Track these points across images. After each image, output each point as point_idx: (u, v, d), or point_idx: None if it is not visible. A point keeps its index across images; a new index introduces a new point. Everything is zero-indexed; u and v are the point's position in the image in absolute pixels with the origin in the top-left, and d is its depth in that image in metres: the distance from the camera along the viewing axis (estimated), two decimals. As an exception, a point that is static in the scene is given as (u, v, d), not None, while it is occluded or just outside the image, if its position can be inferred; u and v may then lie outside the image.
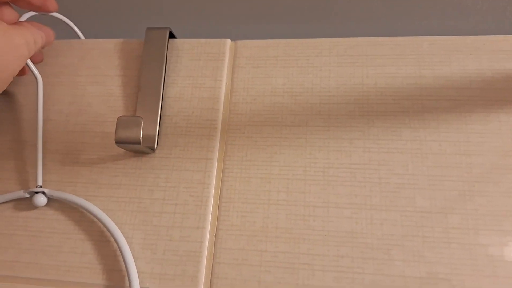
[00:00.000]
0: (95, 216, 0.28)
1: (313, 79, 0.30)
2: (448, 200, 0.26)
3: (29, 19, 0.30)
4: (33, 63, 0.30)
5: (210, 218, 0.27)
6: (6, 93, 0.33)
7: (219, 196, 0.28)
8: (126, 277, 0.26)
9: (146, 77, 0.31)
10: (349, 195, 0.27)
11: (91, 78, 0.32)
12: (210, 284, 0.26)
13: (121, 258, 0.27)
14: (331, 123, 0.29)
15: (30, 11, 0.30)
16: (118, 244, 0.26)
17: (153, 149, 0.29)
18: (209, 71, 0.31)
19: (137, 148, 0.28)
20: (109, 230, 0.27)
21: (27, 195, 0.29)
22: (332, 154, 0.28)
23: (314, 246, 0.26)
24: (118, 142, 0.27)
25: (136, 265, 0.26)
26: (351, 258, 0.25)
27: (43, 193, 0.28)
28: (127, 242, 0.27)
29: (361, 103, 0.29)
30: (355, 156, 0.28)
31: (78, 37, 0.36)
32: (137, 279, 0.25)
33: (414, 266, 0.25)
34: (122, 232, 0.27)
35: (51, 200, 0.29)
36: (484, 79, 0.29)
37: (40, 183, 0.29)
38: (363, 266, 0.25)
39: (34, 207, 0.29)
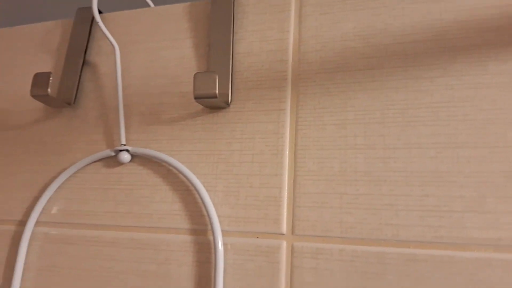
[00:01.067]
0: (174, 167, 0.30)
1: (386, 19, 0.29)
2: (546, 134, 0.24)
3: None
4: None
5: (287, 165, 0.28)
6: (89, 64, 0.35)
7: (294, 144, 0.28)
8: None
9: (215, 36, 0.32)
10: (432, 135, 0.26)
11: (164, 43, 0.34)
12: (292, 226, 0.27)
13: (207, 205, 0.29)
14: (408, 63, 0.27)
15: None
16: (197, 190, 0.28)
17: (227, 104, 0.30)
18: (276, 24, 0.31)
19: (213, 102, 0.29)
20: (188, 179, 0.29)
21: (113, 154, 0.32)
22: (411, 95, 0.27)
23: (396, 187, 0.25)
24: (197, 97, 0.28)
25: (221, 210, 0.28)
26: (437, 197, 0.25)
27: (127, 150, 0.31)
28: (212, 190, 0.29)
29: (440, 39, 0.27)
30: (436, 95, 0.26)
31: (148, 6, 0.38)
32: (218, 222, 0.27)
33: (507, 202, 0.23)
34: (206, 182, 0.29)
35: (136, 157, 0.31)
36: None
37: (123, 142, 0.32)
38: (450, 205, 0.24)
39: (124, 164, 0.32)
